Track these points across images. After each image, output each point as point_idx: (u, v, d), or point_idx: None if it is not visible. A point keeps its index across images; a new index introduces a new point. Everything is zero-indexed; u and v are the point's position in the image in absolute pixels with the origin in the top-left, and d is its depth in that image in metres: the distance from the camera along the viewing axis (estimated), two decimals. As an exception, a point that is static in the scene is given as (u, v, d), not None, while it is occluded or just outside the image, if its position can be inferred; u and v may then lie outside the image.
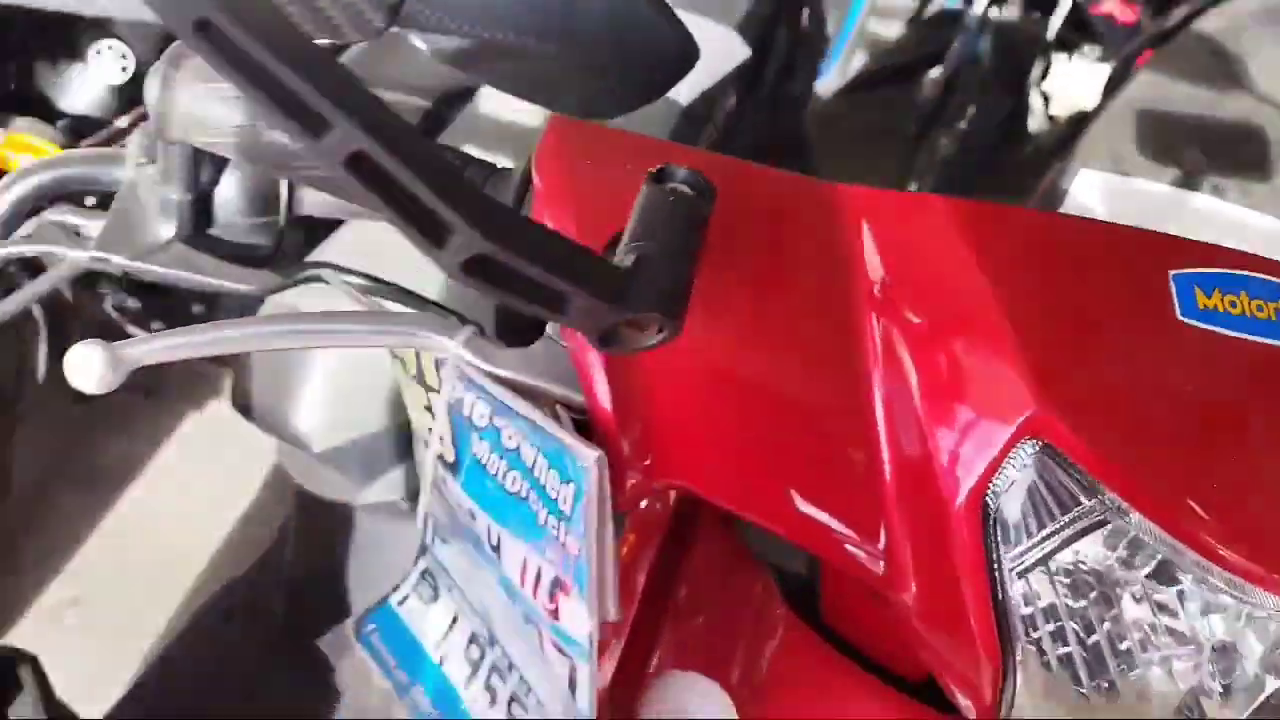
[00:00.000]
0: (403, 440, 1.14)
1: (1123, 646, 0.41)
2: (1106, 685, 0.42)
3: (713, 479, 0.42)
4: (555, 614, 0.45)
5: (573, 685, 0.47)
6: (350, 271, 0.70)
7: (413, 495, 1.19)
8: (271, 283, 0.72)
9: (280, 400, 1.08)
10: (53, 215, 0.71)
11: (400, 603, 0.62)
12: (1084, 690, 0.44)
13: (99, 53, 1.35)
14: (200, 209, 0.67)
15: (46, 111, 1.36)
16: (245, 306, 1.69)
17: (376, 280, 0.71)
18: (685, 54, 0.64)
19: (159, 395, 2.09)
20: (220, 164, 0.66)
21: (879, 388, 0.40)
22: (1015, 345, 0.38)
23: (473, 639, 0.58)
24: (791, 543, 0.44)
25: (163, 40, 1.41)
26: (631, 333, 0.32)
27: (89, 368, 0.38)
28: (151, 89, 0.49)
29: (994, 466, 0.38)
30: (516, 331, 0.44)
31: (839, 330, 0.41)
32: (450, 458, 0.48)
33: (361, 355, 1.07)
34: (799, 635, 0.52)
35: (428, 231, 0.27)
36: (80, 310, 1.57)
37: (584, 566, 0.41)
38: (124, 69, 1.36)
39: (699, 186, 0.36)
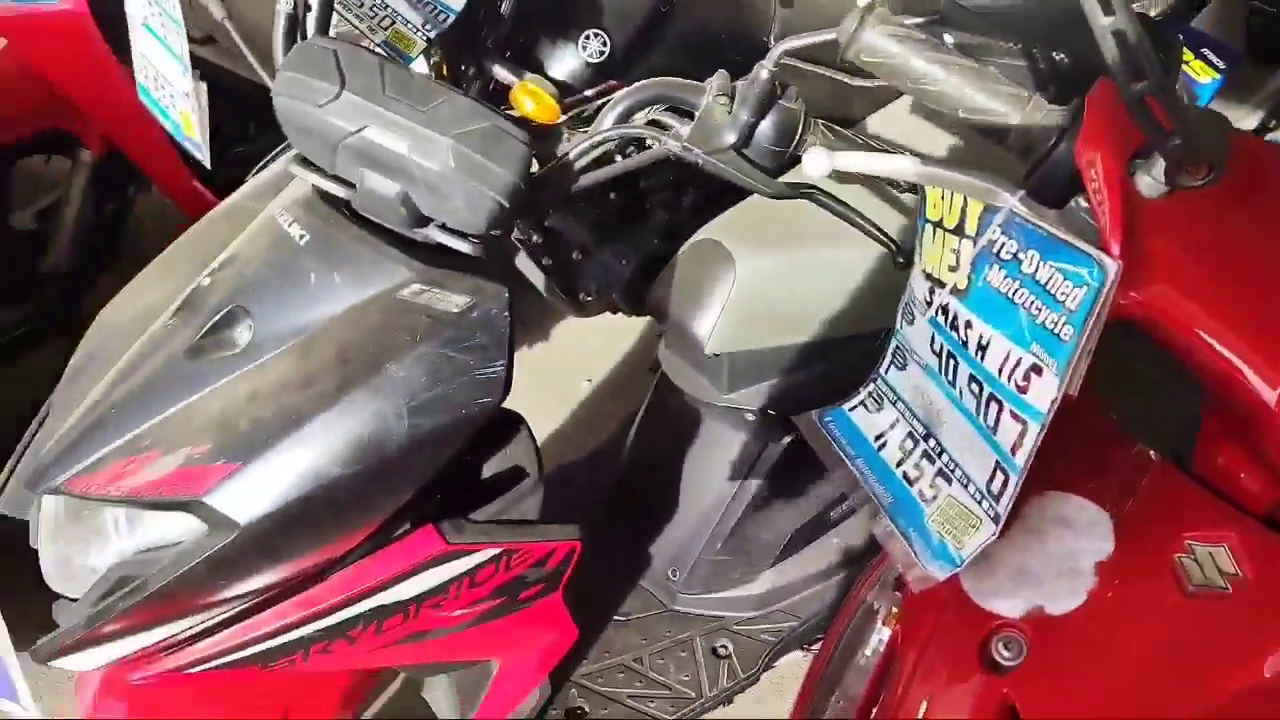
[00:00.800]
0: (774, 363, 1.39)
1: None
2: None
3: (1175, 314, 0.63)
4: (1024, 390, 0.67)
5: (1015, 448, 0.69)
6: (825, 194, 0.98)
7: (761, 412, 1.44)
8: (780, 190, 1.00)
9: (690, 307, 1.35)
10: (654, 114, 1.02)
11: (851, 409, 0.86)
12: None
13: (587, 38, 1.72)
14: (750, 132, 0.94)
15: (526, 60, 1.74)
16: (612, 265, 1.97)
17: (839, 201, 0.98)
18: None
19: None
20: (766, 107, 0.92)
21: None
22: None
23: (908, 435, 0.81)
24: (1208, 377, 0.64)
25: (634, 34, 1.76)
26: (1187, 176, 0.54)
27: (820, 163, 0.65)
28: (848, 26, 0.76)
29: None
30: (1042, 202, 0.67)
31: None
32: (962, 285, 0.72)
33: (764, 285, 1.33)
34: (1171, 474, 0.72)
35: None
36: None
37: (1070, 349, 0.63)
38: (601, 53, 1.73)
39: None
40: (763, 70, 0.92)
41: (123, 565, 0.90)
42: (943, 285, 0.74)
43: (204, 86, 1.05)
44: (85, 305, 2.35)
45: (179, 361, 0.88)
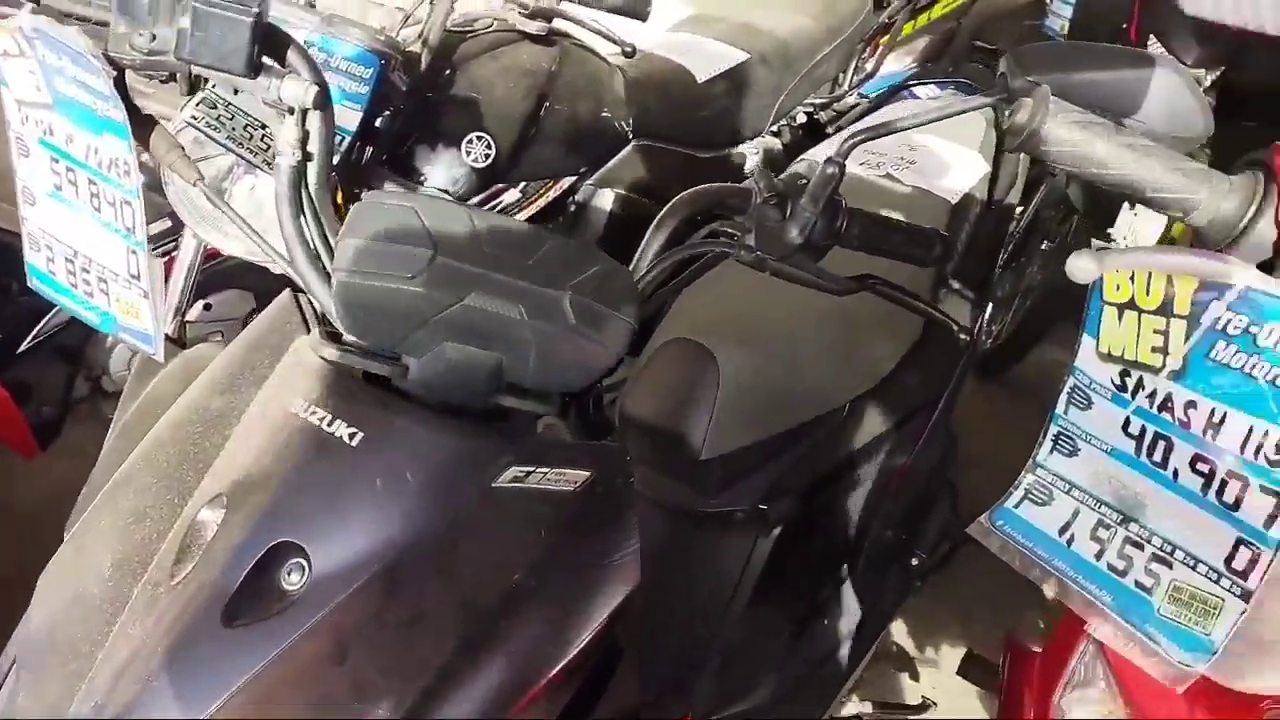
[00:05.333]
0: (761, 455, 1.30)
1: None
2: None
3: None
4: (1275, 464, 0.64)
5: (1272, 520, 0.65)
6: (884, 282, 0.93)
7: (752, 507, 1.34)
8: (847, 286, 0.93)
9: (674, 415, 1.24)
10: (716, 225, 0.91)
11: (1015, 506, 0.79)
12: None
13: (470, 142, 1.57)
14: (813, 229, 0.87)
15: (409, 174, 1.56)
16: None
17: (899, 288, 0.93)
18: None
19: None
20: (829, 201, 0.86)
21: None
22: None
23: (1099, 524, 0.75)
24: None
25: (519, 134, 1.63)
26: None
27: (1089, 268, 0.58)
28: (1020, 119, 0.70)
29: None
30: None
31: None
32: (1177, 366, 0.68)
33: (749, 378, 1.25)
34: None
35: None
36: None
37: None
38: (487, 156, 1.59)
39: None
40: (830, 165, 0.85)
41: None
42: (1148, 368, 0.70)
43: (159, 264, 0.80)
44: None
45: (216, 631, 0.64)
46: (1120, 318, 0.71)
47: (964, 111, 0.96)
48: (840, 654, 1.49)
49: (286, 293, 0.89)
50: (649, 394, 1.27)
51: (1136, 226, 2.86)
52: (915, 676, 1.89)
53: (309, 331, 0.80)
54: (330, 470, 0.69)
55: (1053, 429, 0.79)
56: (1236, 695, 0.70)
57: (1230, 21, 2.36)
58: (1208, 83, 2.70)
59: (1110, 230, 2.91)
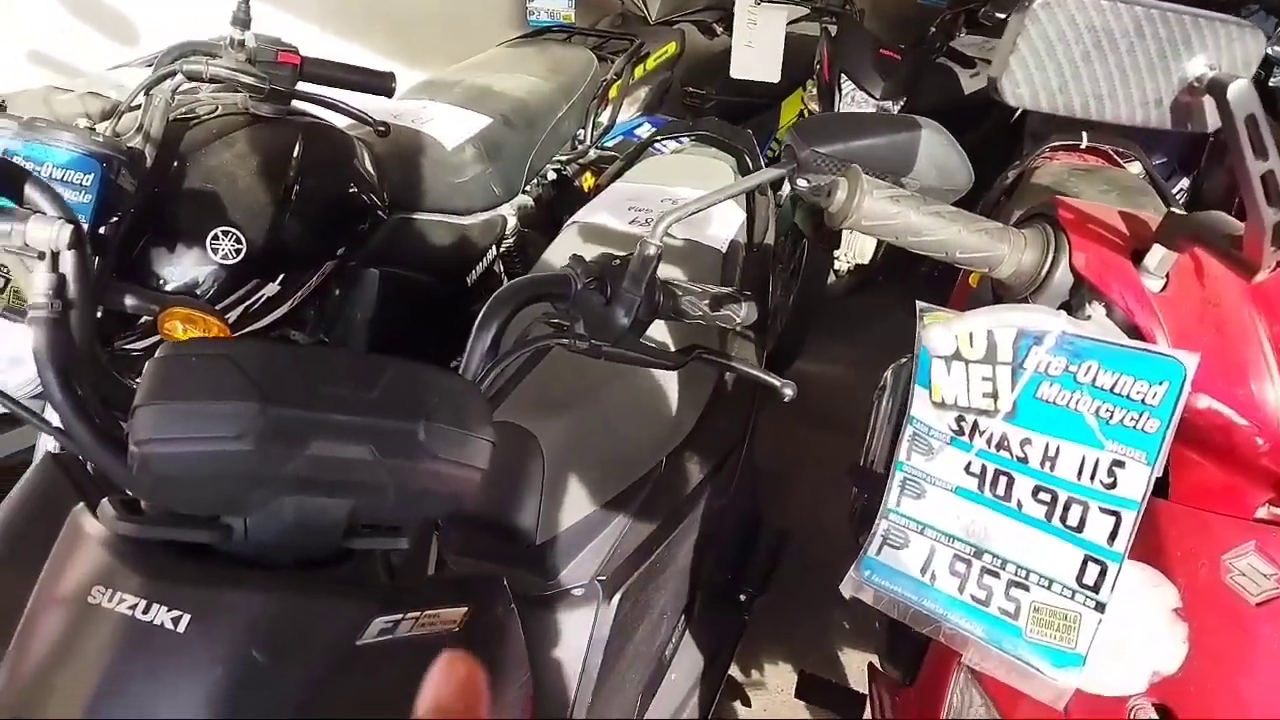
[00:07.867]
0: (590, 528, 1.25)
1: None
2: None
3: (1229, 397, 0.70)
4: (1112, 486, 0.69)
5: (1113, 537, 0.70)
6: (711, 350, 0.93)
7: (590, 580, 1.29)
8: (679, 361, 0.92)
9: (501, 503, 1.17)
10: (542, 317, 0.87)
11: (877, 553, 0.81)
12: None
13: (215, 238, 1.40)
14: (637, 308, 0.86)
15: (148, 280, 1.36)
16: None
17: (724, 354, 0.94)
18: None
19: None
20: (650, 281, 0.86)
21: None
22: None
23: (954, 558, 0.78)
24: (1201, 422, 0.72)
25: (271, 223, 1.48)
26: None
27: (946, 338, 0.59)
28: (839, 196, 0.71)
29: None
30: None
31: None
32: (1007, 408, 0.72)
33: (571, 452, 1.20)
34: (1166, 510, 0.79)
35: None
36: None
37: (1159, 439, 0.67)
38: (238, 251, 1.42)
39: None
40: (648, 246, 0.84)
41: None
42: (982, 412, 0.74)
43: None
44: None
45: None
46: (949, 369, 0.75)
47: (761, 184, 0.98)
48: (690, 705, 1.47)
49: (46, 456, 0.73)
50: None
51: (856, 247, 3.13)
52: (747, 702, 1.92)
53: (83, 499, 0.66)
54: (158, 667, 0.56)
55: (898, 475, 0.81)
56: (1104, 699, 0.75)
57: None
58: (895, 110, 3.02)
59: (836, 252, 3.17)
